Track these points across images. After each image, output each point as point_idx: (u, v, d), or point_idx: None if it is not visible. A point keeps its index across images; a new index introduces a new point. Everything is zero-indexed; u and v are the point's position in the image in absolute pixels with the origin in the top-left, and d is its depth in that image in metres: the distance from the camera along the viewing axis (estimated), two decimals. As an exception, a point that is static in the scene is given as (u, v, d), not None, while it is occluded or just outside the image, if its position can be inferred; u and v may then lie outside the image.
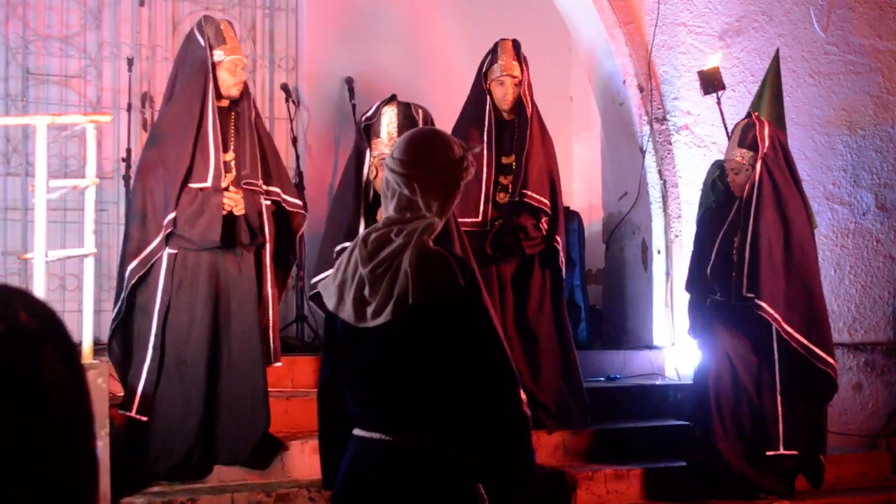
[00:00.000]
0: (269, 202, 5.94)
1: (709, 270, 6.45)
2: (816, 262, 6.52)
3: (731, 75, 8.01)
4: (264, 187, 5.94)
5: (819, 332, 6.31)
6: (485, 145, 6.62)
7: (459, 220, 6.46)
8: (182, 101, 5.78)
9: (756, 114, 6.67)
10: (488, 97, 6.73)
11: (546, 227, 6.61)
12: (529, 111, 6.70)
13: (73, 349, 1.37)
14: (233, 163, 5.86)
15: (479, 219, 6.54)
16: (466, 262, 3.06)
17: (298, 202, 6.19)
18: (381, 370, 2.99)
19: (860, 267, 7.95)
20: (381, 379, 3.00)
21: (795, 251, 6.35)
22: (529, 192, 6.58)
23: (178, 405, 5.66)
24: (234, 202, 5.75)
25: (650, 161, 8.29)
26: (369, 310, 2.97)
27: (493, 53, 6.77)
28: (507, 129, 6.75)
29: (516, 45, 6.75)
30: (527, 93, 6.73)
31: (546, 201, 6.62)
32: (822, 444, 6.47)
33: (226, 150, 5.84)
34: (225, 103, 5.89)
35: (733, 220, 6.46)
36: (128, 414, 5.62)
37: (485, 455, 2.94)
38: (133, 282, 5.66)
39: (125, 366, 5.77)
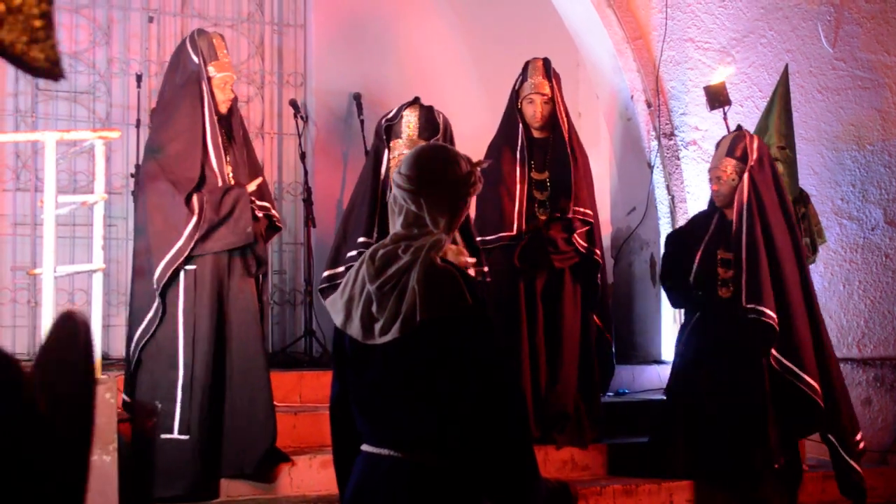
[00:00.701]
0: (260, 215, 5.95)
1: (692, 278, 6.46)
2: (797, 282, 6.46)
3: (738, 91, 8.02)
4: (258, 203, 5.95)
5: (794, 350, 6.29)
6: (518, 163, 6.64)
7: (493, 236, 6.51)
8: (181, 114, 5.77)
9: (746, 129, 6.74)
10: (520, 116, 6.75)
11: (581, 241, 6.61)
12: (566, 127, 6.73)
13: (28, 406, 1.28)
14: (230, 175, 5.87)
15: (514, 233, 6.55)
16: (474, 280, 3.06)
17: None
18: (389, 387, 2.99)
19: (869, 282, 7.93)
20: (388, 395, 2.99)
21: (774, 269, 6.36)
22: (579, 208, 6.60)
23: (190, 421, 5.64)
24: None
25: (658, 176, 8.30)
26: (377, 327, 2.97)
27: (524, 72, 6.80)
28: (540, 145, 6.78)
29: (547, 63, 6.78)
30: (561, 109, 6.75)
31: (589, 212, 6.66)
32: (851, 453, 6.43)
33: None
34: (215, 117, 5.90)
35: (716, 232, 6.49)
36: (171, 436, 5.60)
37: (490, 473, 2.93)
38: (163, 282, 5.61)
39: (133, 382, 5.76)
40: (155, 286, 5.64)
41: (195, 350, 5.68)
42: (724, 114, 7.39)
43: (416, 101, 5.75)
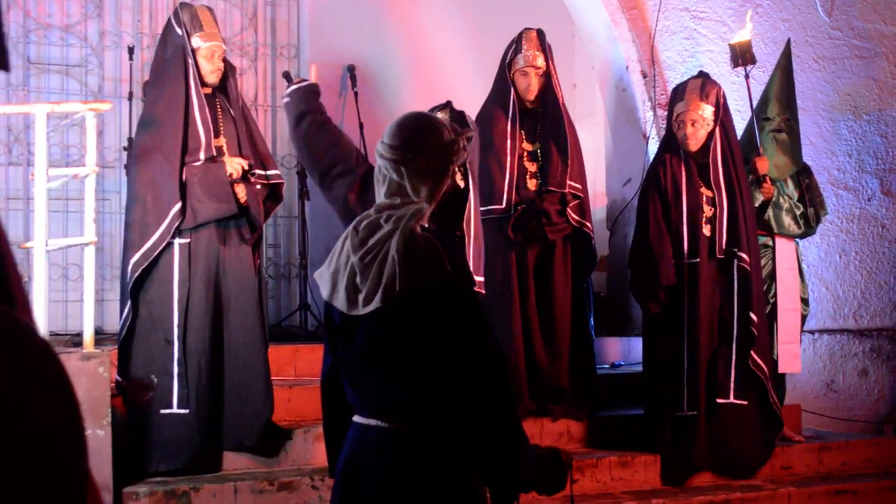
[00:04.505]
0: (259, 186, 5.91)
1: (685, 227, 6.43)
2: (754, 230, 6.62)
3: (734, 60, 7.97)
4: (261, 171, 5.91)
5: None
6: (509, 134, 6.59)
7: (484, 207, 6.48)
8: (169, 89, 5.74)
9: (707, 73, 6.75)
10: (512, 87, 6.68)
11: (574, 214, 6.57)
12: (561, 100, 6.67)
13: None
14: (225, 147, 5.84)
15: (504, 206, 6.51)
16: (454, 247, 3.04)
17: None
18: (374, 357, 2.98)
19: (865, 252, 7.91)
20: (374, 366, 2.99)
21: (745, 216, 6.49)
22: (571, 182, 6.55)
23: (189, 395, 5.62)
24: (236, 170, 5.72)
25: (654, 147, 8.25)
26: (360, 297, 2.96)
27: (516, 43, 6.71)
28: (532, 116, 6.72)
29: (541, 35, 6.70)
30: (555, 81, 6.69)
31: (579, 186, 6.61)
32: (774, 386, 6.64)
33: (216, 136, 5.81)
34: (208, 90, 5.85)
35: (694, 174, 6.48)
36: (170, 411, 5.59)
37: (476, 442, 2.91)
38: (136, 274, 5.61)
39: (126, 357, 5.74)
40: (128, 282, 5.63)
41: (191, 324, 5.66)
42: (747, 73, 7.20)
43: (446, 106, 5.72)
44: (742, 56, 7.11)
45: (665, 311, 6.46)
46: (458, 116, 5.68)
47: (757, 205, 6.76)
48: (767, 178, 6.76)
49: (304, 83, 6.23)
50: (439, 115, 5.59)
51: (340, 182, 5.94)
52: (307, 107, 6.10)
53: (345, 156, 5.99)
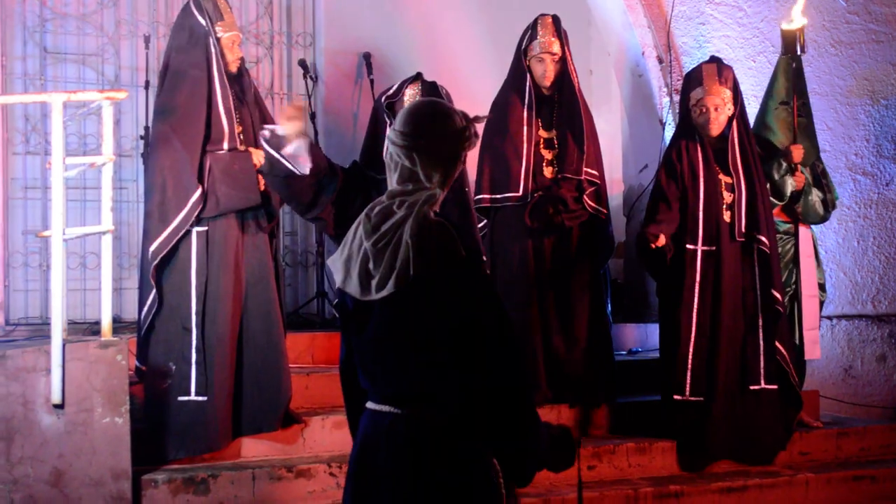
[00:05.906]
0: None
1: (701, 214, 6.39)
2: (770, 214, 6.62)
3: (750, 45, 7.95)
4: None
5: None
6: (525, 121, 6.57)
7: (500, 195, 6.44)
8: (191, 77, 5.73)
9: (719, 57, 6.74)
10: (528, 73, 6.65)
11: (590, 201, 6.55)
12: (577, 86, 6.65)
13: None
14: (241, 135, 5.84)
15: (520, 193, 6.50)
16: (468, 232, 3.06)
17: None
18: (387, 343, 3.00)
19: (884, 238, 7.88)
20: (387, 351, 3.00)
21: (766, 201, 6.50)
22: (588, 169, 6.53)
23: (207, 382, 5.63)
24: (260, 162, 5.72)
25: (670, 133, 8.24)
26: (373, 283, 2.98)
27: (532, 29, 6.68)
28: (548, 103, 6.69)
29: (556, 21, 6.67)
30: (571, 68, 6.66)
31: (595, 173, 6.59)
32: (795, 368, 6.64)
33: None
34: (225, 78, 5.84)
35: (711, 160, 6.45)
36: (188, 398, 5.60)
37: (490, 424, 2.93)
38: (156, 262, 5.61)
39: (146, 345, 5.75)
40: (150, 267, 5.63)
41: (209, 311, 5.67)
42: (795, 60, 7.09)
43: (418, 77, 5.66)
44: (793, 44, 7.01)
45: (683, 294, 6.43)
46: (431, 87, 5.63)
47: (788, 193, 6.73)
48: (799, 167, 6.72)
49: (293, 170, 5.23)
50: (410, 88, 5.57)
51: (320, 223, 5.82)
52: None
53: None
